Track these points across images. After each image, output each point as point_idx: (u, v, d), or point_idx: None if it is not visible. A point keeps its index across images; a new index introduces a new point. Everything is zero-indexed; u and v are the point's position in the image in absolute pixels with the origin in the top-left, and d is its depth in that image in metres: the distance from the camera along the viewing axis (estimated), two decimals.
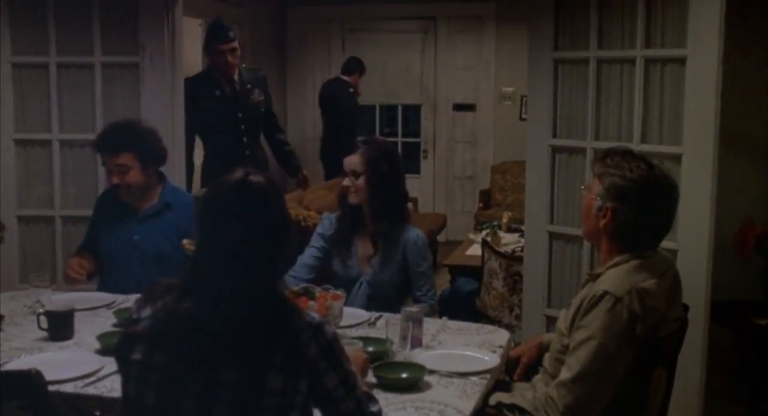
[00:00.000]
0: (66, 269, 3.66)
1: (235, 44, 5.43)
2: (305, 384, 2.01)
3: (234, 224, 2.04)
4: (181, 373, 1.99)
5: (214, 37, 5.44)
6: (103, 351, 2.92)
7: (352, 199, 3.75)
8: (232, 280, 2.03)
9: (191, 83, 5.21)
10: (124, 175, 3.75)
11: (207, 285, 2.04)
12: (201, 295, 2.03)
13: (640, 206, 2.69)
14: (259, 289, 2.04)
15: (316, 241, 3.85)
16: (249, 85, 5.61)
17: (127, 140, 3.77)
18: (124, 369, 2.09)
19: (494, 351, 3.04)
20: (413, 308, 3.06)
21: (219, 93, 5.49)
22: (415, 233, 3.72)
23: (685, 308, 2.92)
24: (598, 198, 2.74)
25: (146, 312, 2.08)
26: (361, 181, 3.69)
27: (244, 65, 5.74)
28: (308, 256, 3.83)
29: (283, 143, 6.04)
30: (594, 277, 2.77)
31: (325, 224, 3.86)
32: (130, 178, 3.76)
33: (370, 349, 2.90)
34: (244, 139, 5.54)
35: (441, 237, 8.80)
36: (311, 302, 3.14)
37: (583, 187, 3.04)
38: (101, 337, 3.02)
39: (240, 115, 5.53)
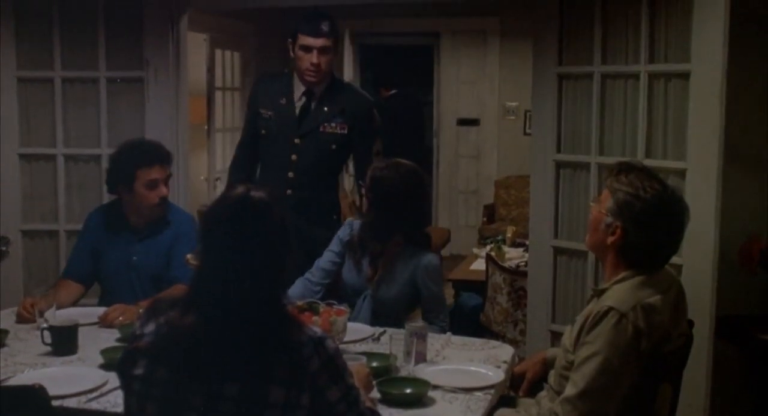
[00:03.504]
0: (19, 308, 3.57)
1: (328, 43, 4.07)
2: (307, 398, 2.02)
3: (236, 240, 2.05)
4: (183, 387, 2.00)
5: (301, 26, 4.08)
6: (107, 366, 2.92)
7: (363, 207, 3.79)
8: (234, 294, 2.03)
9: (261, 80, 4.49)
10: (166, 186, 3.77)
11: (209, 299, 2.05)
12: (203, 309, 2.04)
13: (651, 228, 2.68)
14: (261, 303, 2.05)
15: (335, 245, 3.83)
16: (328, 107, 4.18)
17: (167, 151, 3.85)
18: (126, 384, 2.10)
19: (498, 367, 3.03)
20: (417, 323, 3.06)
21: (284, 102, 4.20)
22: (427, 258, 3.67)
23: (690, 323, 2.91)
24: (609, 214, 2.72)
25: (149, 327, 2.09)
26: (365, 194, 3.73)
27: (347, 81, 4.42)
28: (326, 260, 3.81)
29: None
30: (599, 293, 2.76)
31: (346, 229, 3.84)
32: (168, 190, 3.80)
33: (374, 364, 2.90)
34: (290, 174, 4.17)
35: (445, 252, 8.80)
36: (315, 318, 3.14)
37: (592, 200, 3.03)
38: (105, 352, 3.02)
39: (297, 141, 4.16)
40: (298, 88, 4.21)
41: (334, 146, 4.19)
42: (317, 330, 2.12)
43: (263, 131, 4.25)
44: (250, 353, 2.00)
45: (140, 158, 3.74)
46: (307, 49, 4.07)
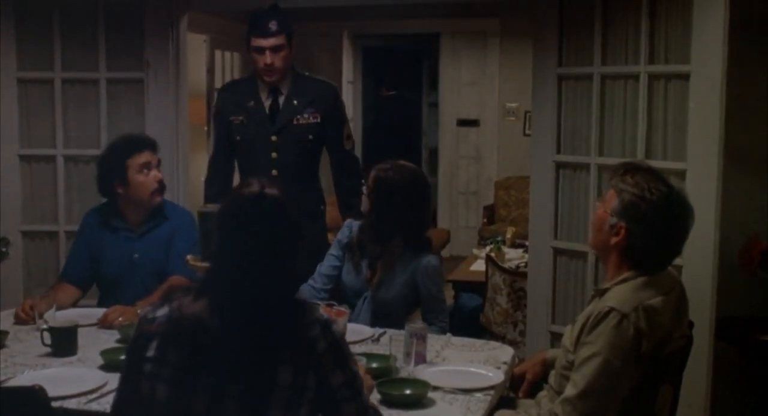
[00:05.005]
0: (18, 310, 3.57)
1: (280, 40, 4.11)
2: (313, 379, 2.07)
3: (250, 236, 2.11)
4: (194, 367, 2.06)
5: (251, 28, 4.15)
6: (107, 367, 2.92)
7: (362, 206, 3.80)
8: (246, 281, 2.09)
9: (225, 88, 4.61)
10: (159, 171, 3.81)
11: (222, 285, 2.11)
12: (215, 293, 2.11)
13: (656, 229, 2.67)
14: (272, 289, 2.10)
15: (335, 248, 3.84)
16: (297, 101, 4.24)
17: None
18: (136, 367, 2.14)
19: (498, 368, 3.03)
20: (417, 324, 3.06)
21: (253, 104, 4.25)
22: (427, 259, 3.66)
23: (690, 324, 2.91)
24: (613, 215, 2.72)
25: (162, 311, 2.15)
26: (367, 193, 3.72)
27: (307, 73, 4.41)
28: (327, 265, 3.81)
29: (348, 193, 4.32)
30: (600, 293, 2.76)
31: (345, 231, 3.84)
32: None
33: (374, 365, 2.90)
34: (274, 172, 4.18)
35: (445, 253, 8.80)
36: None
37: (597, 199, 3.03)
38: (105, 353, 3.02)
39: (273, 138, 4.21)
40: (264, 89, 4.25)
41: (310, 136, 4.25)
42: (324, 314, 2.20)
43: (238, 138, 4.28)
44: (259, 334, 2.06)
45: (126, 148, 3.80)
46: (260, 50, 4.12)
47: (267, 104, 4.25)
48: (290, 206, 2.17)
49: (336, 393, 2.11)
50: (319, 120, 4.25)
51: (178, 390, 2.06)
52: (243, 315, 2.07)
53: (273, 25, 4.10)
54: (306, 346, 2.07)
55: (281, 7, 4.21)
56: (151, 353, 2.10)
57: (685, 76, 3.63)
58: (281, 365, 2.04)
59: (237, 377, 2.04)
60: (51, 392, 2.48)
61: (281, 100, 4.25)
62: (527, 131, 8.49)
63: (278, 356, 2.05)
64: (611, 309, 2.61)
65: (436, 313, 3.66)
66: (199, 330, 2.06)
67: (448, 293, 6.06)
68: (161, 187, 3.81)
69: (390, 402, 2.67)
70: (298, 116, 4.22)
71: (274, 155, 4.22)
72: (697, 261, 3.55)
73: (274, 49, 4.11)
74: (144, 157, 3.76)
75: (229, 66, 8.14)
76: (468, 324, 5.00)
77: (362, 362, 2.73)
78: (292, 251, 2.15)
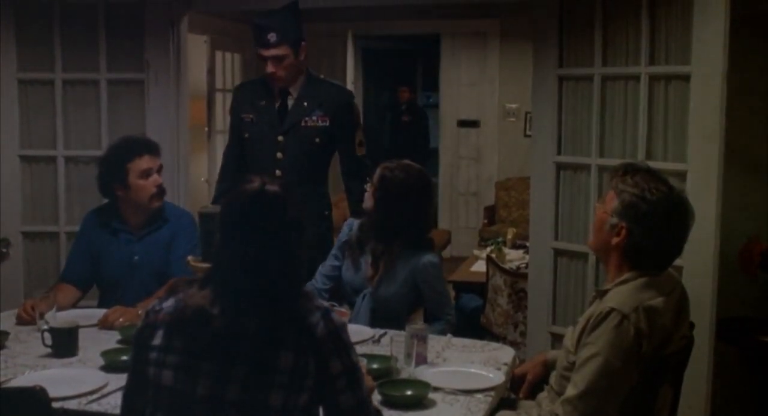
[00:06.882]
0: (20, 310, 3.57)
1: (280, 51, 4.09)
2: (314, 365, 2.10)
3: (250, 229, 2.15)
4: (198, 353, 2.10)
5: (254, 39, 4.19)
6: (108, 368, 2.93)
7: (364, 203, 3.79)
8: (247, 273, 2.13)
9: (241, 86, 4.68)
10: (160, 176, 3.80)
11: (224, 276, 2.16)
12: (218, 284, 2.15)
13: (656, 230, 2.67)
14: (274, 280, 2.14)
15: (335, 248, 3.86)
16: (307, 103, 4.23)
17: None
18: (142, 355, 2.17)
19: (499, 369, 3.03)
20: (417, 325, 3.06)
21: (264, 103, 4.27)
22: (426, 257, 3.67)
23: (691, 325, 2.91)
24: (614, 215, 2.72)
25: (168, 303, 2.19)
26: (372, 192, 3.72)
27: (322, 76, 4.43)
28: (327, 265, 3.84)
29: (359, 200, 4.02)
30: (601, 294, 2.76)
31: (345, 230, 3.85)
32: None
33: (375, 366, 2.90)
34: (277, 172, 4.16)
35: (445, 253, 8.79)
36: None
37: (597, 201, 3.03)
38: (105, 354, 3.02)
39: (280, 138, 4.22)
40: (275, 89, 4.25)
41: (317, 139, 4.21)
42: (324, 302, 2.25)
43: (246, 135, 4.30)
44: (260, 320, 2.09)
45: (127, 151, 3.78)
46: (263, 58, 4.14)
47: (277, 104, 4.25)
48: (291, 202, 2.19)
49: (335, 382, 2.13)
50: (328, 124, 4.21)
51: (183, 375, 2.10)
52: (244, 304, 2.11)
53: (272, 37, 4.09)
54: (306, 331, 2.11)
55: (279, 11, 4.20)
56: (157, 341, 2.14)
57: (685, 77, 3.63)
58: (282, 350, 2.08)
59: (239, 362, 2.07)
60: (51, 393, 2.48)
61: (292, 101, 4.24)
62: (528, 132, 8.50)
63: (279, 341, 2.08)
64: (612, 310, 2.61)
65: (442, 307, 3.68)
66: (202, 317, 2.11)
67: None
68: (160, 191, 3.79)
69: (391, 403, 2.68)
70: (306, 118, 4.20)
71: (279, 155, 4.21)
72: (698, 262, 3.55)
73: (275, 60, 4.11)
74: (145, 162, 3.74)
75: (229, 67, 8.14)
76: (468, 324, 5.00)
77: (363, 363, 2.72)
78: (293, 245, 2.18)
